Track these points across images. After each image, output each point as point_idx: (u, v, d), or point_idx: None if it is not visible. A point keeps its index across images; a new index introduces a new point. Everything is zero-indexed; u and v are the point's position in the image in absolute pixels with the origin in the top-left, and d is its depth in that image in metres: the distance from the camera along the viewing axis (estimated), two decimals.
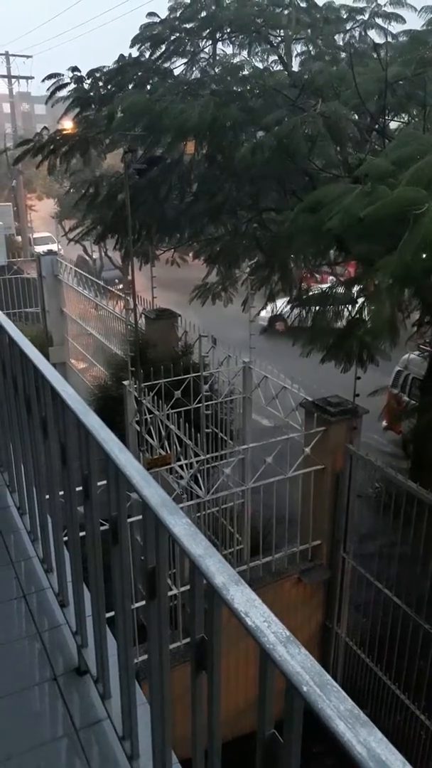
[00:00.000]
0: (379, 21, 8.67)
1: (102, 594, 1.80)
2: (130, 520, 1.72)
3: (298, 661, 0.87)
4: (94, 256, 23.11)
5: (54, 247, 21.71)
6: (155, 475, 5.17)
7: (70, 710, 1.88)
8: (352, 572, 6.07)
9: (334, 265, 9.29)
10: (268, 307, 9.24)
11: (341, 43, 8.80)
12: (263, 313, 10.24)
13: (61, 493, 2.11)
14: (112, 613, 1.72)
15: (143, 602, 3.72)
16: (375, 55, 7.40)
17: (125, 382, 6.63)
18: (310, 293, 8.28)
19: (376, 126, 7.31)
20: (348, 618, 6.31)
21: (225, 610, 1.06)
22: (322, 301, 7.72)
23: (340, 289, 7.72)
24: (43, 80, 8.66)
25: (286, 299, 8.64)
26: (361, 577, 5.91)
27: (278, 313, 9.10)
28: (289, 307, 8.35)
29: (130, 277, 7.91)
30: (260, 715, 1.00)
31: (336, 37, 8.81)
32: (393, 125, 7.76)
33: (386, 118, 7.36)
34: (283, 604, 5.83)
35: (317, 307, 7.66)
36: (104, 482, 1.63)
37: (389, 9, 8.51)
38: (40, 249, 17.92)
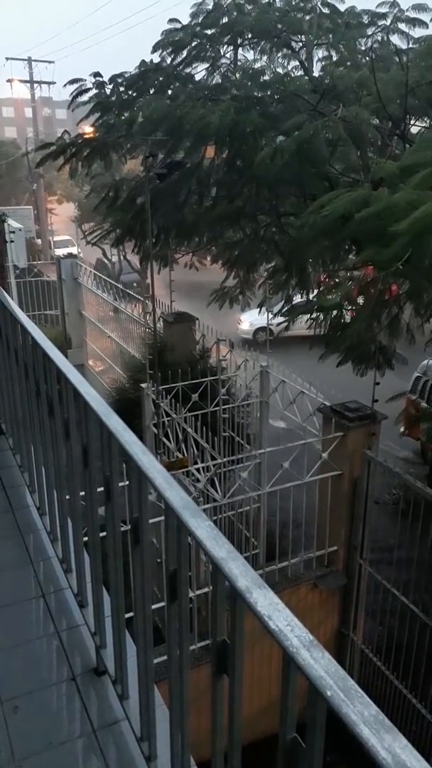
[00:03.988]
0: (401, 26, 8.64)
1: (121, 595, 1.81)
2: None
3: (322, 666, 0.87)
4: (113, 260, 23.27)
5: (74, 250, 21.91)
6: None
7: (88, 710, 1.90)
8: (369, 579, 6.02)
9: (351, 269, 9.26)
10: (245, 318, 9.10)
11: (363, 48, 8.78)
12: (245, 326, 10.14)
13: (82, 493, 2.13)
14: (129, 614, 1.73)
15: (160, 604, 3.73)
16: (397, 60, 7.38)
17: (143, 385, 6.66)
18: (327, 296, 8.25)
19: (397, 130, 7.28)
20: (364, 625, 6.26)
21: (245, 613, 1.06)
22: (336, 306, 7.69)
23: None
24: (64, 85, 8.75)
25: (262, 309, 8.58)
26: (378, 584, 5.86)
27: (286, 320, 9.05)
28: (279, 316, 8.31)
29: (148, 281, 7.95)
30: (282, 719, 1.00)
31: (358, 42, 8.79)
32: (415, 130, 7.72)
33: (408, 122, 7.32)
34: (299, 609, 5.80)
35: (334, 312, 7.63)
36: (124, 483, 1.64)
37: (412, 14, 8.48)
38: (60, 252, 18.09)
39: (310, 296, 8.57)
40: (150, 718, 1.65)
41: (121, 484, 1.74)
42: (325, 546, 6.01)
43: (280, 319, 8.36)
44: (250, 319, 9.36)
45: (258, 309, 8.86)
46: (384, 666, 5.93)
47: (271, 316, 7.73)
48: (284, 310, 8.44)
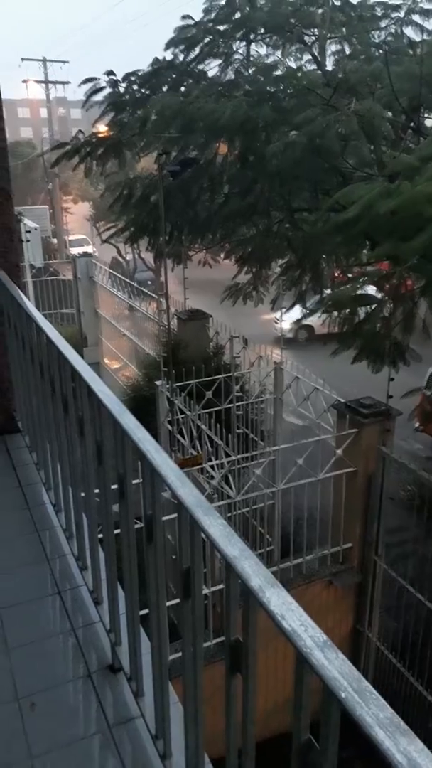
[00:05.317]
0: (416, 18, 8.54)
1: (136, 592, 1.82)
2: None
3: (336, 667, 0.87)
4: (127, 258, 23.33)
5: (89, 249, 22.00)
6: (186, 475, 5.20)
7: (103, 707, 1.91)
8: (384, 575, 5.99)
9: (366, 265, 9.18)
10: (286, 317, 8.97)
11: (377, 41, 8.69)
12: (286, 324, 10.01)
13: (96, 491, 2.14)
14: (144, 611, 1.73)
15: (174, 601, 3.74)
16: (411, 52, 7.29)
17: (158, 382, 6.68)
18: (341, 289, 8.17)
19: (411, 124, 7.20)
20: (379, 622, 6.23)
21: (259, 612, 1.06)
22: (352, 302, 7.62)
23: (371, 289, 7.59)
24: (79, 85, 8.78)
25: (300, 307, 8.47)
26: (393, 581, 5.83)
27: (302, 317, 8.87)
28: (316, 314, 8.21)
29: (162, 279, 7.96)
30: (295, 720, 1.00)
31: (372, 34, 8.71)
32: (429, 122, 7.63)
33: (422, 115, 7.24)
34: (314, 606, 5.79)
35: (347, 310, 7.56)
36: (138, 480, 1.64)
37: (426, 5, 8.38)
38: (75, 251, 18.19)
39: (324, 292, 8.52)
40: (165, 716, 1.66)
41: (135, 481, 1.74)
42: (339, 543, 5.99)
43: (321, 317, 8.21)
44: (292, 318, 9.29)
45: (299, 307, 8.76)
46: (400, 663, 5.90)
47: (311, 314, 7.63)
48: (306, 306, 8.31)
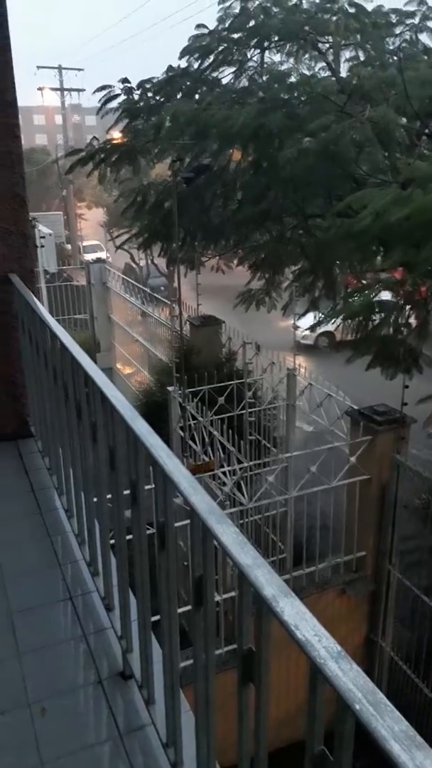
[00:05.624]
0: (431, 24, 8.52)
1: (148, 599, 1.81)
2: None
3: (350, 678, 0.85)
4: (140, 264, 23.45)
5: (103, 254, 22.15)
6: (198, 481, 5.19)
7: (114, 714, 1.90)
8: (398, 584, 5.93)
9: (380, 271, 9.13)
10: (306, 323, 8.91)
11: (391, 48, 8.68)
12: (307, 331, 9.94)
13: (109, 496, 2.13)
14: (155, 618, 1.72)
15: (186, 607, 3.73)
16: (426, 58, 7.28)
17: (170, 388, 6.69)
18: (355, 297, 8.13)
19: (426, 130, 7.17)
20: (393, 631, 6.16)
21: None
22: (367, 309, 7.58)
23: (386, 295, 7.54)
24: (94, 92, 8.86)
25: (316, 313, 8.40)
26: (407, 590, 5.76)
27: (316, 323, 8.77)
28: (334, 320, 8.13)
29: (175, 284, 7.98)
30: (309, 731, 0.98)
31: (386, 41, 8.70)
32: None
33: None
34: (327, 615, 5.74)
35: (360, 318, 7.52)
36: (151, 486, 1.63)
37: None
38: (89, 257, 18.32)
39: (337, 298, 8.48)
40: (176, 724, 1.64)
41: (147, 486, 1.74)
42: (353, 551, 5.94)
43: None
44: (309, 324, 9.23)
45: (319, 314, 8.70)
46: (414, 674, 5.82)
47: (323, 321, 7.59)
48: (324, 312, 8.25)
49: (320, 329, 11.34)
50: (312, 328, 8.93)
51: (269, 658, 1.15)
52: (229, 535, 1.19)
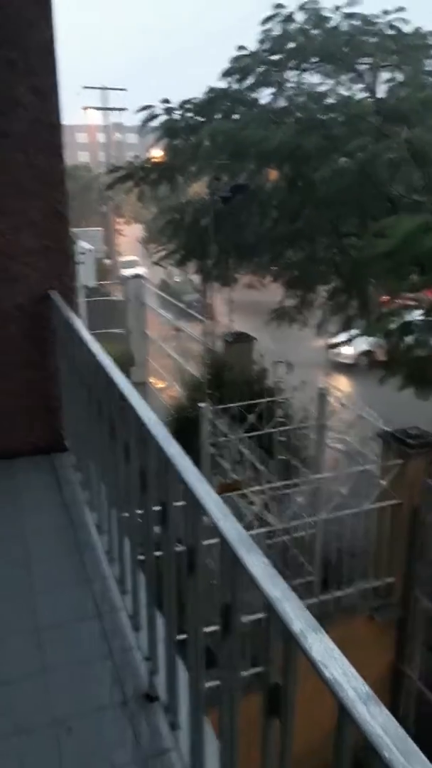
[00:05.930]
0: None
1: (175, 623, 1.81)
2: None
3: (380, 723, 0.84)
4: (176, 279, 23.68)
5: (140, 270, 22.45)
6: (226, 500, 5.17)
7: (138, 737, 1.89)
8: (426, 612, 5.79)
9: (413, 291, 9.03)
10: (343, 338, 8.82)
11: (430, 69, 8.66)
12: (347, 350, 9.81)
13: (139, 511, 2.14)
14: (181, 636, 1.72)
15: (213, 627, 3.70)
16: None
17: (201, 405, 6.71)
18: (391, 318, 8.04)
19: None
20: (420, 660, 6.01)
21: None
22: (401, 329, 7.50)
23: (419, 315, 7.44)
24: (136, 112, 9.06)
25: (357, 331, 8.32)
26: None
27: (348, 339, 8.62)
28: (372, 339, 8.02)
29: (209, 301, 8.03)
30: None
31: (425, 62, 8.69)
32: None
33: None
34: (353, 642, 5.61)
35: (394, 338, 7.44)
36: (181, 503, 1.63)
37: None
38: (126, 272, 18.58)
39: (371, 317, 8.41)
40: (201, 751, 1.63)
41: (176, 503, 1.74)
42: (381, 576, 5.83)
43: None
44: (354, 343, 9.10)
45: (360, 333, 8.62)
46: None
47: (352, 340, 7.54)
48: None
49: (360, 348, 11.16)
50: (341, 344, 8.85)
51: (296, 694, 1.14)
52: (259, 567, 1.19)
